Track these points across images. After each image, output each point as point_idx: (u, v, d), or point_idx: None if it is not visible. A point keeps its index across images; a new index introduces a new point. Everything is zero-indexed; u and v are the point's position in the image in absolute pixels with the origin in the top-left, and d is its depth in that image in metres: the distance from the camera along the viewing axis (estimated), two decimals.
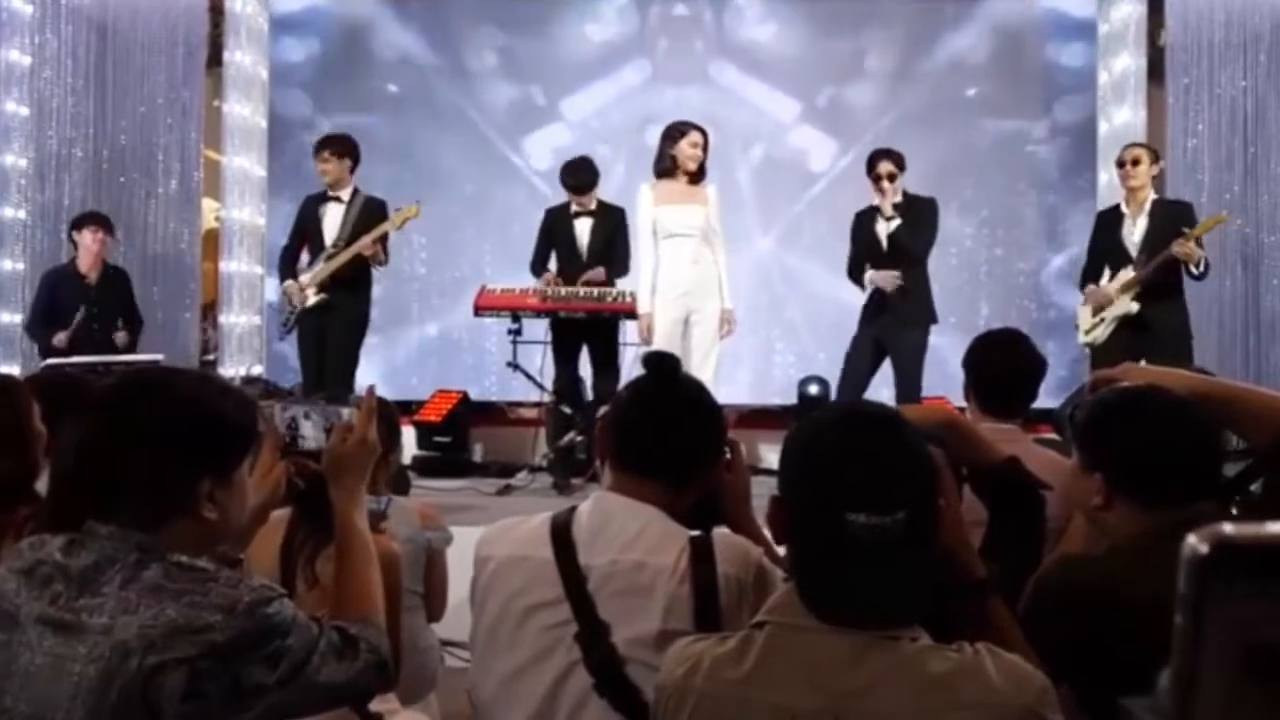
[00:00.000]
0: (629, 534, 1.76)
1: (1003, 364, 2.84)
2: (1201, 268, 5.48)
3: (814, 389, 7.15)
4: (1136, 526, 1.69)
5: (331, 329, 6.03)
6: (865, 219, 5.88)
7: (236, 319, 7.96)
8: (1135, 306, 5.55)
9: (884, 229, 5.74)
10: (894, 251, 5.76)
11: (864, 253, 5.88)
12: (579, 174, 6.25)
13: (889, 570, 1.35)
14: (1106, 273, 5.78)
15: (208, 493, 1.51)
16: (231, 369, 7.79)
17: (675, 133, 5.69)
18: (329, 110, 8.22)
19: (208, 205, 8.08)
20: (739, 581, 1.70)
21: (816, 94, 8.12)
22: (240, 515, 1.60)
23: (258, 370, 8.02)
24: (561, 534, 1.79)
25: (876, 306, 5.82)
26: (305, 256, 6.17)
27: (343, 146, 6.10)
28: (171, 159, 7.71)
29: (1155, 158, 5.78)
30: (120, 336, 6.42)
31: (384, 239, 5.96)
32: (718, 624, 1.66)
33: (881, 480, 1.36)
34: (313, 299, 6.03)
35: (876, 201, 5.75)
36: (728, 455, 1.92)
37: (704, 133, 5.72)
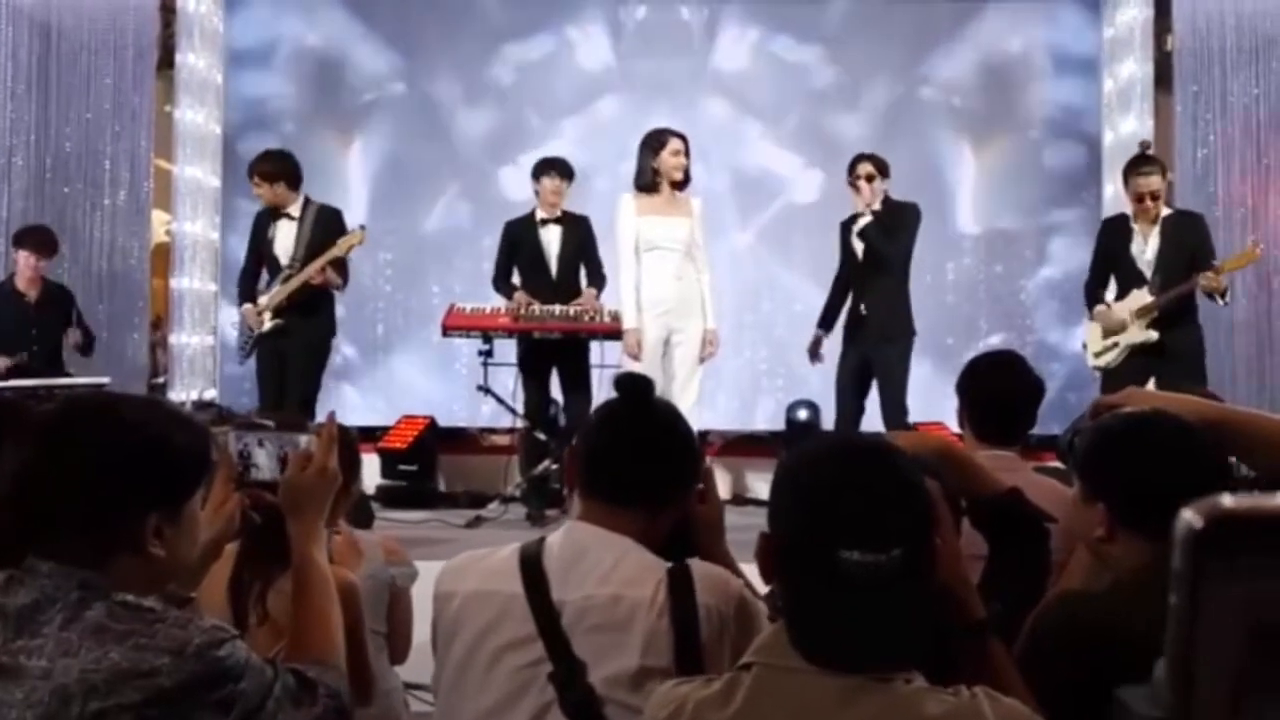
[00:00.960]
0: (604, 566, 1.76)
1: (998, 387, 2.85)
2: (1228, 298, 5.55)
3: (803, 414, 7.18)
4: (1141, 559, 1.70)
5: (291, 353, 6.03)
6: (844, 227, 5.97)
7: (188, 339, 7.93)
8: (1153, 335, 5.56)
9: (860, 225, 5.82)
10: (866, 255, 5.82)
11: (844, 263, 5.96)
12: (560, 162, 6.27)
13: (883, 610, 1.36)
14: (1113, 287, 5.80)
15: (155, 527, 1.51)
16: (182, 393, 7.76)
17: (655, 143, 5.71)
18: (287, 115, 8.22)
19: (157, 218, 8.07)
20: (720, 614, 1.71)
21: (805, 115, 8.14)
22: (190, 551, 1.59)
23: (210, 394, 7.99)
24: (532, 567, 1.78)
25: (855, 321, 5.89)
26: (265, 277, 6.17)
27: (273, 168, 6.05)
28: (119, 168, 7.69)
29: (1164, 171, 5.78)
30: (74, 333, 6.41)
31: (340, 261, 5.96)
32: (698, 658, 1.67)
33: (876, 516, 1.37)
34: (269, 323, 6.03)
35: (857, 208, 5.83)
36: (700, 485, 1.93)
37: (684, 139, 5.75)
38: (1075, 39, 8.15)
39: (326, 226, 6.04)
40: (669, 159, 5.66)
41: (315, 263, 5.88)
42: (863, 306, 5.86)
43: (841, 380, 5.89)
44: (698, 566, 1.77)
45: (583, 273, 6.33)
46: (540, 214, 6.31)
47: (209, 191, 8.13)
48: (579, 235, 6.28)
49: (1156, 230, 5.65)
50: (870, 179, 5.78)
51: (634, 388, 1.92)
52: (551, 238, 6.30)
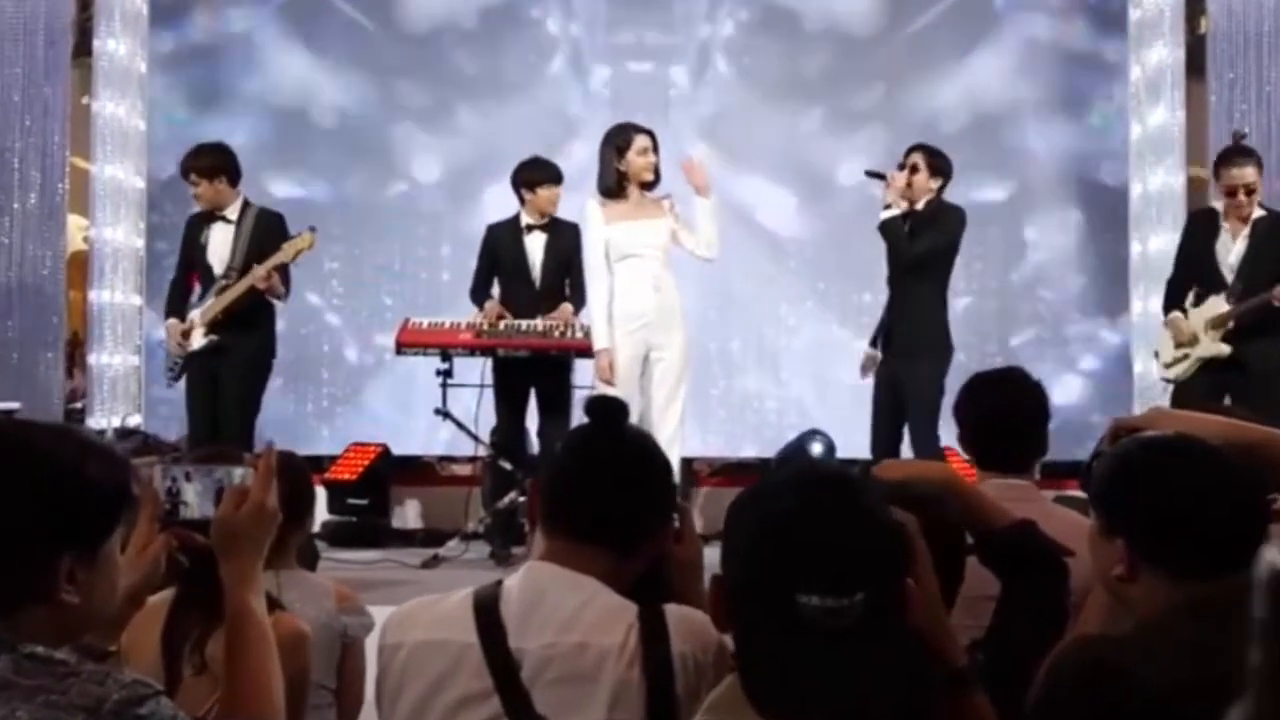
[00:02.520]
0: (568, 611, 1.76)
1: (994, 409, 2.86)
2: None
3: (817, 447, 6.89)
4: (1165, 601, 1.71)
5: (226, 374, 6.01)
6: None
7: (109, 359, 7.90)
8: (1225, 349, 5.61)
9: (882, 217, 5.79)
10: (890, 256, 5.81)
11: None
12: (544, 166, 6.25)
13: (847, 660, 1.35)
14: (1193, 293, 5.82)
15: (68, 572, 1.50)
16: (103, 419, 7.72)
17: (619, 141, 5.70)
18: (215, 109, 8.21)
19: (74, 223, 8.04)
20: (697, 662, 1.72)
21: (792, 152, 8.19)
22: (109, 599, 1.59)
23: (135, 421, 7.95)
24: (487, 613, 1.79)
25: (886, 333, 5.89)
26: (197, 288, 6.16)
27: (212, 162, 6.05)
28: (29, 167, 7.65)
29: (1261, 164, 5.73)
30: None
31: (283, 269, 5.95)
32: (672, 712, 1.68)
33: (837, 556, 1.36)
34: (201, 340, 6.01)
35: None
36: (675, 522, 1.94)
37: (651, 134, 5.74)
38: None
39: (267, 232, 6.03)
40: (637, 160, 5.66)
41: (259, 268, 5.85)
42: (891, 316, 5.85)
43: (875, 402, 5.88)
44: (672, 610, 1.77)
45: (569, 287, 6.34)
46: (526, 219, 6.31)
47: (132, 193, 8.09)
48: (567, 244, 6.24)
49: (1246, 231, 5.68)
50: (914, 170, 5.74)
51: (605, 412, 1.93)
52: (536, 245, 6.31)
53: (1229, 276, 5.68)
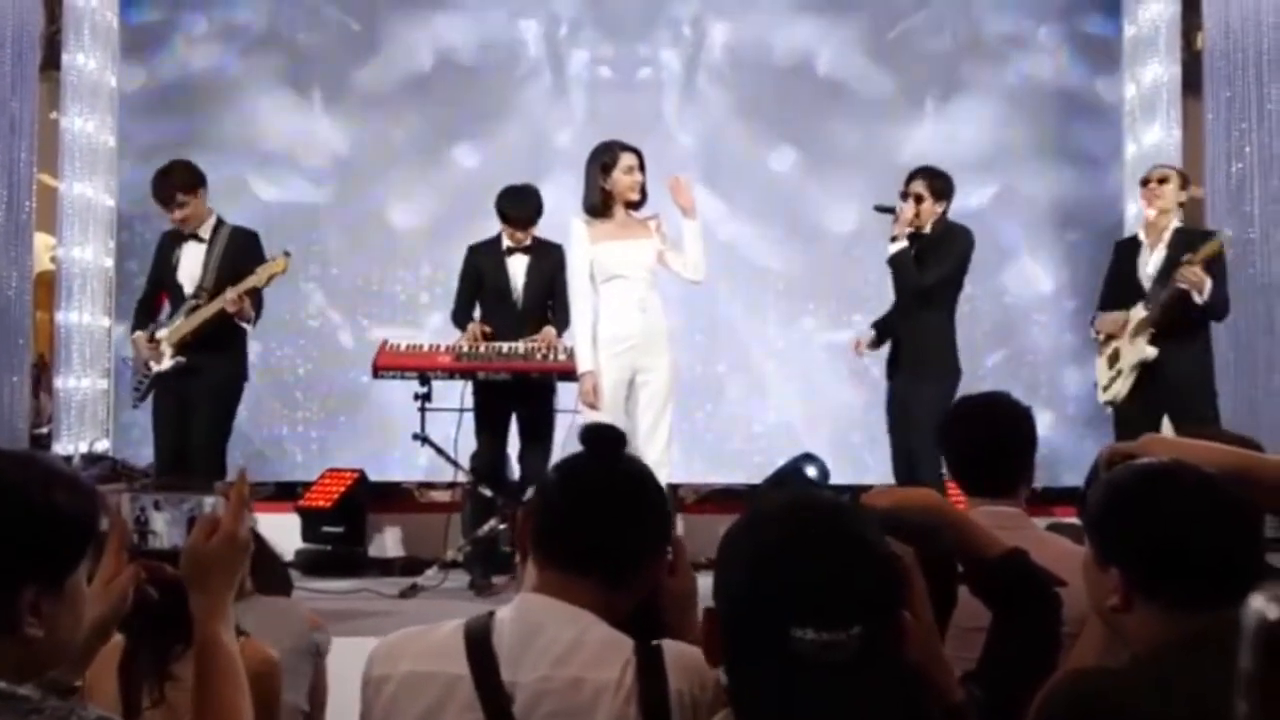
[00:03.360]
0: (562, 644, 1.77)
1: (978, 435, 2.88)
2: (1206, 297, 5.64)
3: (811, 471, 6.94)
4: (1160, 633, 1.71)
5: (196, 398, 6.01)
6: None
7: (77, 383, 7.87)
8: (1152, 352, 5.75)
9: (890, 251, 5.90)
10: (898, 285, 5.92)
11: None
12: (522, 203, 6.27)
13: (843, 695, 1.35)
14: (1118, 312, 5.98)
15: (31, 604, 1.50)
16: (70, 444, 7.69)
17: (605, 159, 5.71)
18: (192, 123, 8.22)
19: (41, 241, 8.02)
20: (694, 700, 1.72)
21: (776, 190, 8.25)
22: (74, 632, 1.58)
23: (102, 446, 7.93)
24: (479, 645, 1.79)
25: (894, 355, 6.02)
26: (166, 308, 6.16)
27: (190, 178, 6.05)
28: None
29: (1185, 182, 6.04)
30: None
31: (255, 292, 5.94)
32: None
33: (833, 589, 1.36)
34: (169, 361, 5.99)
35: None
36: (670, 555, 1.94)
37: (638, 152, 5.76)
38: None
39: (240, 252, 6.04)
40: (623, 179, 5.67)
41: (230, 291, 5.85)
42: (898, 339, 5.98)
43: (889, 424, 6.03)
44: (670, 647, 1.78)
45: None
46: (506, 241, 6.34)
47: (102, 211, 8.09)
48: (549, 266, 6.27)
49: (1164, 242, 5.89)
50: (919, 200, 5.85)
51: (601, 441, 1.93)
52: (518, 267, 6.33)
53: (1147, 285, 5.86)
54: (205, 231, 6.08)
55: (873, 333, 6.22)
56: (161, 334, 6.04)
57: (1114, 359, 5.92)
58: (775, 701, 1.37)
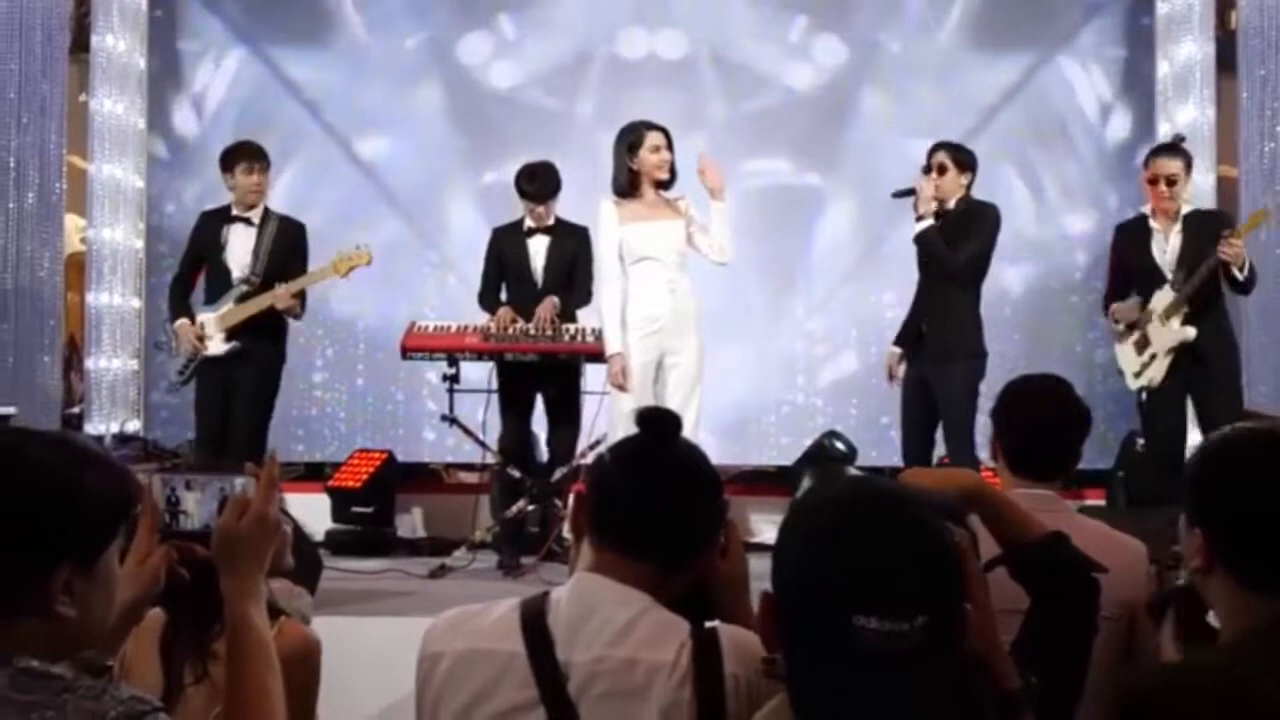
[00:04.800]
0: (617, 625, 1.77)
1: (1037, 417, 2.86)
2: (1245, 272, 5.57)
3: (840, 446, 6.90)
4: (1241, 611, 1.66)
5: (242, 381, 6.07)
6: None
7: (108, 363, 7.91)
8: (1192, 332, 5.63)
9: (917, 229, 5.83)
10: (925, 264, 5.85)
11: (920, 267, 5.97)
12: (540, 179, 6.28)
13: (905, 686, 1.33)
14: (1134, 298, 5.89)
15: (65, 583, 1.50)
16: (101, 425, 7.74)
17: (631, 139, 5.70)
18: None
19: (71, 223, 8.05)
20: (749, 685, 1.72)
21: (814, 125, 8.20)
22: (106, 611, 1.59)
23: (133, 426, 7.97)
24: (535, 624, 1.79)
25: (916, 337, 5.92)
26: (200, 286, 6.19)
27: (265, 157, 6.15)
28: (27, 166, 7.65)
29: (1190, 168, 5.86)
30: None
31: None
32: None
33: (898, 577, 1.34)
34: (220, 346, 6.03)
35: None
36: (722, 538, 1.93)
37: (664, 131, 5.74)
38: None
39: (290, 243, 6.14)
40: (649, 157, 5.65)
41: (296, 283, 5.99)
42: (923, 320, 5.90)
43: (904, 408, 5.93)
44: (725, 630, 1.78)
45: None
46: (529, 222, 6.35)
47: (131, 193, 8.12)
48: (571, 247, 6.29)
49: (1177, 227, 5.74)
50: (942, 171, 5.78)
51: (658, 425, 1.93)
52: (539, 248, 6.34)
53: (1168, 271, 5.72)
54: (255, 215, 6.10)
55: (899, 351, 6.05)
56: (205, 317, 6.07)
57: (1143, 344, 5.80)
58: (834, 690, 1.35)
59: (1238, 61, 7.46)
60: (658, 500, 1.85)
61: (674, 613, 1.81)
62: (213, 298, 6.13)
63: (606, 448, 2.02)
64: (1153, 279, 5.77)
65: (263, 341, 6.07)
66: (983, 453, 4.48)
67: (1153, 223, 5.80)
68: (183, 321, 6.12)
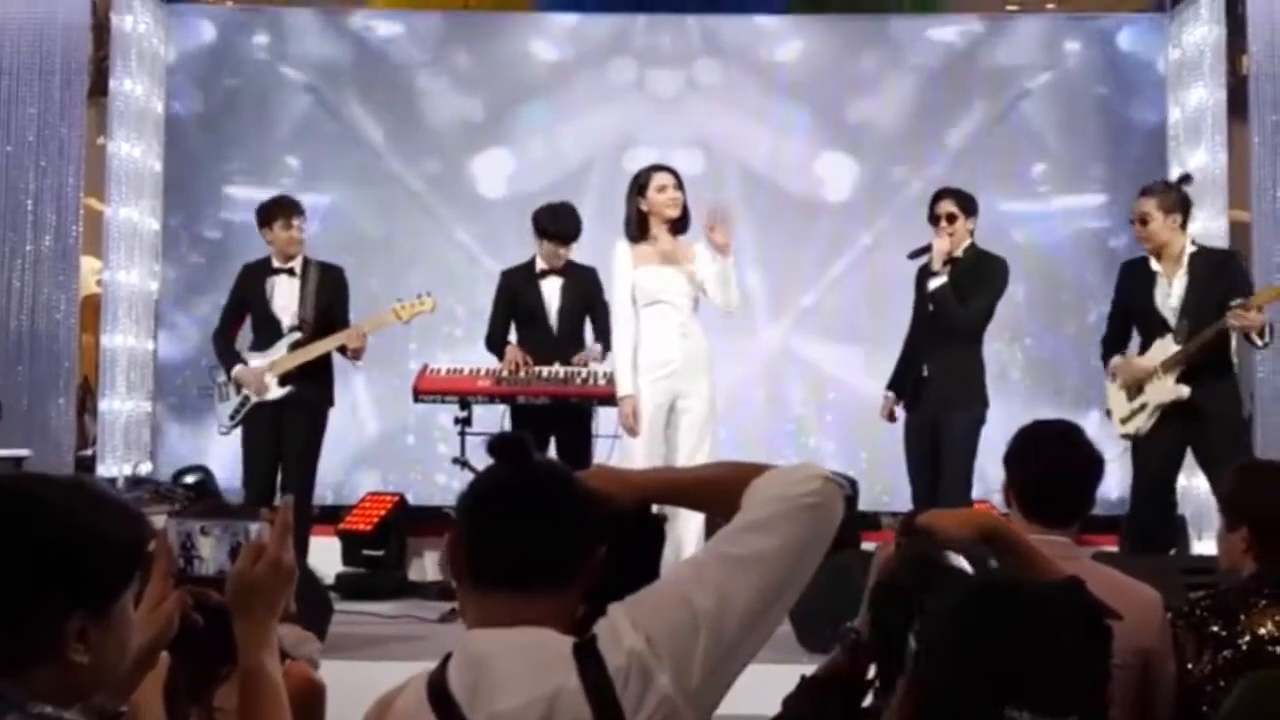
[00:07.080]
0: (508, 672, 1.74)
1: (1052, 462, 2.85)
2: (1268, 337, 5.44)
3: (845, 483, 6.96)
4: None
5: (293, 426, 6.13)
6: (920, 276, 5.97)
7: (121, 405, 7.93)
8: (1185, 391, 5.47)
9: (932, 286, 5.82)
10: (934, 317, 5.84)
11: (915, 316, 5.98)
12: (563, 220, 6.30)
13: None
14: (1136, 341, 5.81)
15: (78, 630, 1.50)
16: (113, 466, 7.74)
17: (639, 183, 5.73)
18: (232, 152, 8.30)
19: (88, 265, 8.09)
20: (639, 662, 1.70)
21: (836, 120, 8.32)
22: (120, 658, 1.59)
23: (145, 468, 7.98)
24: (440, 696, 1.76)
25: (917, 382, 5.90)
26: (242, 336, 6.28)
27: (301, 210, 6.26)
28: (44, 209, 7.70)
29: (1171, 206, 5.60)
30: None
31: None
32: None
33: (1055, 671, 1.37)
34: (277, 391, 6.09)
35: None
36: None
37: (673, 172, 5.76)
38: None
39: (334, 289, 6.24)
40: (657, 197, 5.65)
41: (358, 326, 6.14)
42: (926, 368, 5.88)
43: (909, 455, 5.92)
44: (601, 627, 1.75)
45: (590, 330, 6.37)
46: (540, 264, 6.37)
47: (147, 235, 8.17)
48: (584, 288, 6.31)
49: (1182, 271, 5.58)
50: (952, 219, 5.79)
51: (509, 449, 1.88)
52: (552, 290, 6.35)
53: (1172, 319, 5.57)
54: (296, 265, 6.19)
55: (892, 394, 6.07)
56: (259, 362, 6.14)
57: (1134, 392, 5.66)
58: None
59: (1249, 107, 7.47)
60: (522, 523, 1.80)
61: (602, 596, 1.78)
62: (262, 345, 6.21)
63: (466, 485, 1.97)
64: (1154, 324, 5.65)
65: (312, 385, 6.15)
66: (995, 497, 4.47)
67: (1154, 265, 5.66)
68: (249, 368, 6.17)
